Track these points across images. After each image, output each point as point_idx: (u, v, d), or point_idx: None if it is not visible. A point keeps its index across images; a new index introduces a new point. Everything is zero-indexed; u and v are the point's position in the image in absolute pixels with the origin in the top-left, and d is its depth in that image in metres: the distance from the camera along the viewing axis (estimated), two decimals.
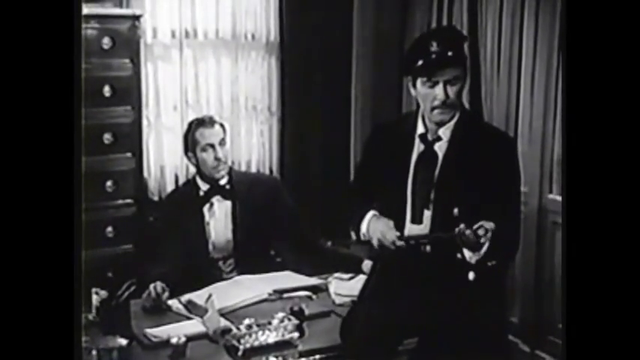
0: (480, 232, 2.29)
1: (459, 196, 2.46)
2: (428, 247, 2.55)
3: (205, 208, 3.37)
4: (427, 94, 2.47)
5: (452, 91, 2.45)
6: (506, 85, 3.92)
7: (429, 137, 2.56)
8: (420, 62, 2.44)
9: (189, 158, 3.43)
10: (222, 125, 3.42)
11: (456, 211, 2.43)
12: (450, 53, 2.43)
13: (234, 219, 3.37)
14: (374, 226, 2.55)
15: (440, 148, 2.54)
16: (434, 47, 2.42)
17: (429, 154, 2.55)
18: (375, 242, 2.54)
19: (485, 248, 2.35)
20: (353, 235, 2.76)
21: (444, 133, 2.54)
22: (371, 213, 2.59)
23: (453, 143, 2.53)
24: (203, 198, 3.37)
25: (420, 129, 2.57)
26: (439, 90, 2.44)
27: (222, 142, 3.34)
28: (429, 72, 2.44)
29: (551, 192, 3.74)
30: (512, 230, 2.51)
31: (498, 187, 2.48)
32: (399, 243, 2.47)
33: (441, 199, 2.51)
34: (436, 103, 2.46)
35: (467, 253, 2.39)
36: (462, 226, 2.33)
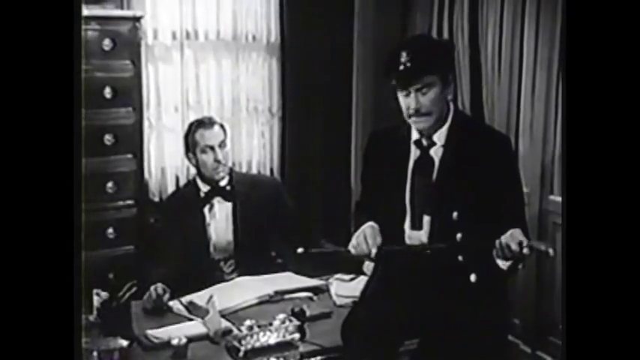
0: (525, 249, 2.30)
1: (458, 201, 2.47)
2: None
3: (206, 210, 3.37)
4: (403, 103, 2.51)
5: (424, 98, 2.47)
6: (507, 86, 3.92)
7: (424, 143, 2.57)
8: (393, 74, 2.47)
9: (189, 159, 3.44)
10: (222, 126, 3.42)
11: (455, 215, 2.45)
12: (419, 62, 2.44)
13: (235, 220, 3.37)
14: (359, 232, 2.55)
15: (435, 152, 2.55)
16: (403, 58, 2.44)
17: (425, 159, 2.56)
18: (352, 248, 2.54)
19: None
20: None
21: (439, 137, 2.54)
22: (368, 224, 2.59)
23: (448, 147, 2.53)
24: (204, 199, 3.37)
25: (415, 135, 2.59)
26: (411, 99, 2.47)
27: (222, 144, 3.34)
28: (401, 83, 2.47)
29: (552, 193, 3.74)
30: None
31: (498, 189, 2.48)
32: (373, 252, 2.48)
33: (439, 204, 2.52)
34: (410, 111, 2.49)
35: (499, 261, 2.39)
36: (503, 240, 2.33)
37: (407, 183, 2.58)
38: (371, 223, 2.58)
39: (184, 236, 3.33)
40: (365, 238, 2.51)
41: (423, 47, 2.54)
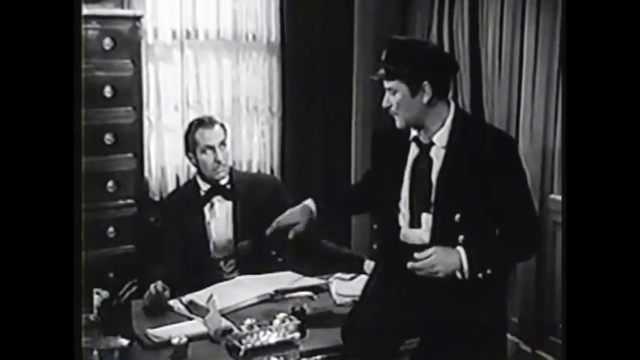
0: None
1: (461, 203, 2.48)
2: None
3: (206, 208, 3.37)
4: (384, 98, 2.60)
5: (393, 99, 2.54)
6: (508, 86, 3.92)
7: (422, 140, 2.58)
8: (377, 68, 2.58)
9: (189, 158, 3.44)
10: (222, 125, 3.41)
11: (457, 217, 2.46)
12: (389, 65, 2.51)
13: (235, 219, 3.37)
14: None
15: (436, 154, 2.55)
16: (383, 56, 2.54)
17: (423, 158, 2.57)
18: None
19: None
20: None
21: (439, 139, 2.54)
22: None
23: (450, 149, 2.53)
24: (204, 198, 3.37)
25: (413, 132, 2.59)
26: (385, 96, 2.57)
27: (222, 144, 3.34)
28: (379, 79, 2.57)
29: (552, 192, 3.73)
30: (528, 228, 2.54)
31: (503, 190, 2.48)
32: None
33: (441, 204, 2.52)
34: (385, 106, 2.59)
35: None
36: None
37: (406, 181, 2.59)
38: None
39: (184, 235, 3.33)
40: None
41: (399, 52, 2.55)
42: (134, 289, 2.70)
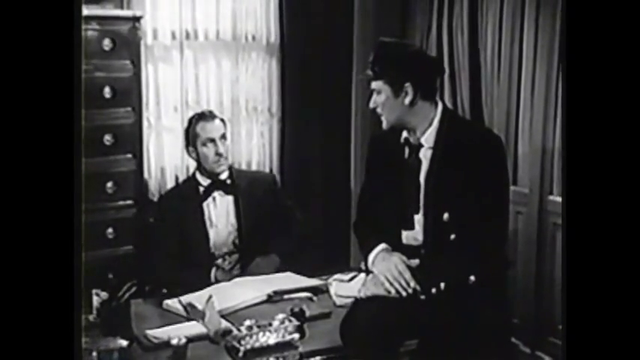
0: None
1: (449, 202, 2.51)
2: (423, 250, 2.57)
3: (206, 204, 3.38)
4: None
5: (378, 99, 2.60)
6: (507, 87, 3.92)
7: (412, 142, 2.61)
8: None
9: (189, 153, 3.45)
10: (222, 120, 3.44)
11: (445, 216, 2.48)
12: (374, 66, 2.57)
13: (238, 213, 3.38)
14: (384, 264, 2.57)
15: (424, 155, 2.59)
16: (370, 58, 2.59)
17: (412, 160, 2.61)
18: (383, 280, 2.54)
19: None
20: (362, 265, 2.81)
21: (427, 140, 2.58)
22: (381, 246, 2.62)
23: (437, 149, 2.56)
24: (204, 193, 3.38)
25: (404, 133, 2.63)
26: (372, 97, 2.63)
27: (222, 137, 3.37)
28: (366, 80, 2.63)
29: (551, 193, 3.73)
30: (493, 233, 2.56)
31: (489, 190, 2.51)
32: (413, 284, 2.49)
33: (429, 204, 2.55)
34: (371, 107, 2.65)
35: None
36: None
37: (400, 183, 2.61)
38: (391, 252, 2.61)
39: (183, 231, 3.33)
40: (401, 265, 2.53)
41: (384, 54, 2.59)
42: (133, 289, 2.70)
